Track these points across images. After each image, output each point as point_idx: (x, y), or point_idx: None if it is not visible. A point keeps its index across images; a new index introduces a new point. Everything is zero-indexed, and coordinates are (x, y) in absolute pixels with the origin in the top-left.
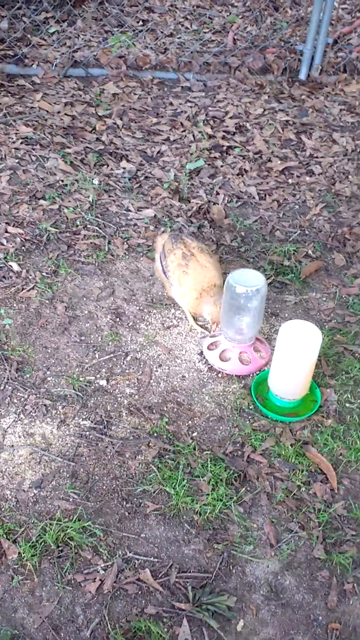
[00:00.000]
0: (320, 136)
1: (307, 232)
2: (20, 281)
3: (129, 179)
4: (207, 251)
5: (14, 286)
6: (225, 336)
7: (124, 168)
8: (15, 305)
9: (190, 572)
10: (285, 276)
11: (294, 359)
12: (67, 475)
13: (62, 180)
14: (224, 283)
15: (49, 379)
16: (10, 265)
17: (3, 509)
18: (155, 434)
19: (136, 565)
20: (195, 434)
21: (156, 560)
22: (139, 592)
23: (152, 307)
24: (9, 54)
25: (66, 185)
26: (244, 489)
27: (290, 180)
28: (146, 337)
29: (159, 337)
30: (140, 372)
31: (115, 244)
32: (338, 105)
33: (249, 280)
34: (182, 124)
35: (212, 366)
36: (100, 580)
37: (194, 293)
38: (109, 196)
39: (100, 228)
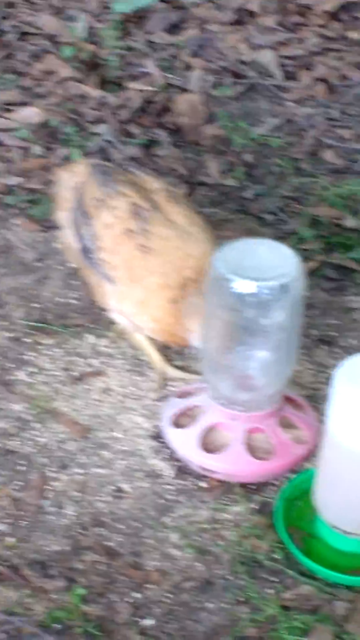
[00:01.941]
0: None
1: None
2: None
3: None
4: (184, 200)
5: None
6: (213, 395)
7: None
8: None
9: None
10: (348, 253)
11: None
12: None
13: None
14: None
15: None
16: None
17: None
18: (57, 626)
19: None
20: (149, 621)
21: None
22: None
23: (42, 333)
24: None
25: None
26: None
27: (353, 35)
28: (30, 401)
29: (60, 400)
30: (20, 482)
31: None
32: None
33: (264, 267)
34: None
35: (184, 464)
36: None
37: (169, 292)
38: None
39: None
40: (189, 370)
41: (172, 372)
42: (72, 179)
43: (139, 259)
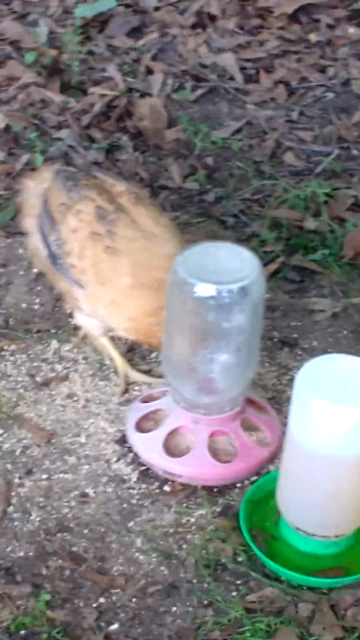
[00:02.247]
0: None
1: (354, 152)
2: None
3: None
4: (149, 202)
5: None
6: (176, 398)
7: None
8: None
9: None
10: (309, 255)
11: (335, 446)
12: None
13: None
14: None
15: None
16: None
17: None
18: (23, 632)
19: None
20: (114, 626)
21: None
22: None
23: (6, 338)
24: None
25: None
26: None
27: (312, 36)
28: None
29: (24, 406)
30: None
31: None
32: None
33: (223, 270)
34: None
35: (148, 468)
36: None
37: (142, 294)
38: None
39: None
40: (153, 374)
41: (136, 376)
42: (38, 186)
43: (108, 261)
